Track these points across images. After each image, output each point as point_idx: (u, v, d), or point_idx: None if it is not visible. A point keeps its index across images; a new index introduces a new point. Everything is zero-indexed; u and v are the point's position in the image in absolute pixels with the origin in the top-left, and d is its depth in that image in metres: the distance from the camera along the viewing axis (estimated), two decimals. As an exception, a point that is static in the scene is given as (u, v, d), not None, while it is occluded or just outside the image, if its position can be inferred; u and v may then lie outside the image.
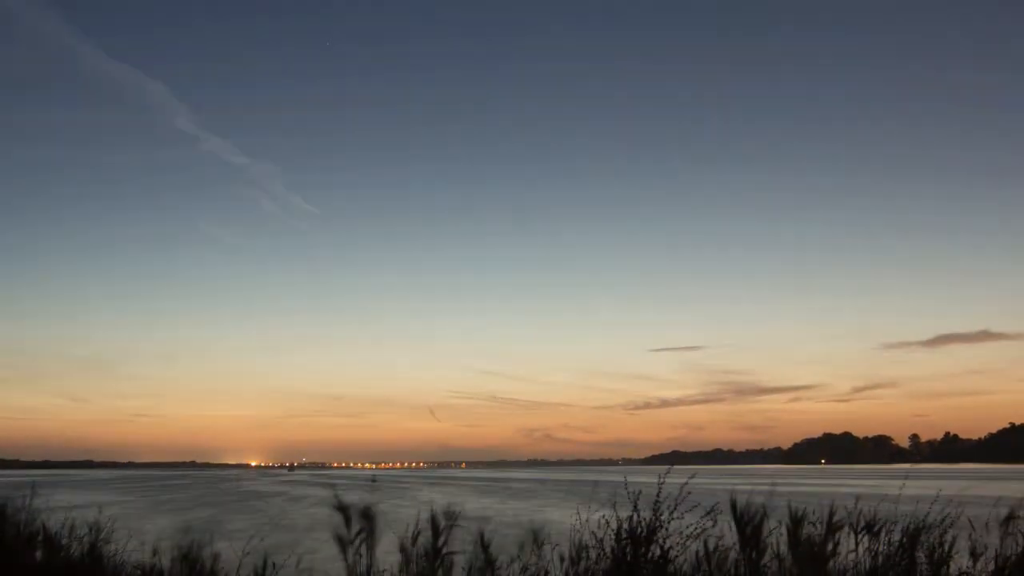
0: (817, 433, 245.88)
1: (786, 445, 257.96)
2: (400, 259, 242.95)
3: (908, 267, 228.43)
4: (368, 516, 5.50)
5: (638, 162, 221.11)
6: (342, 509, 5.53)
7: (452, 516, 5.49)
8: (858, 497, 6.19)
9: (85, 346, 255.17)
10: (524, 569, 5.65)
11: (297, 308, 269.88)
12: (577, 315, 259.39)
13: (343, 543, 5.47)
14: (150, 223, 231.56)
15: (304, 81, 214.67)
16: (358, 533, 5.48)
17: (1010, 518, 6.15)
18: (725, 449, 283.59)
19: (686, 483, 5.61)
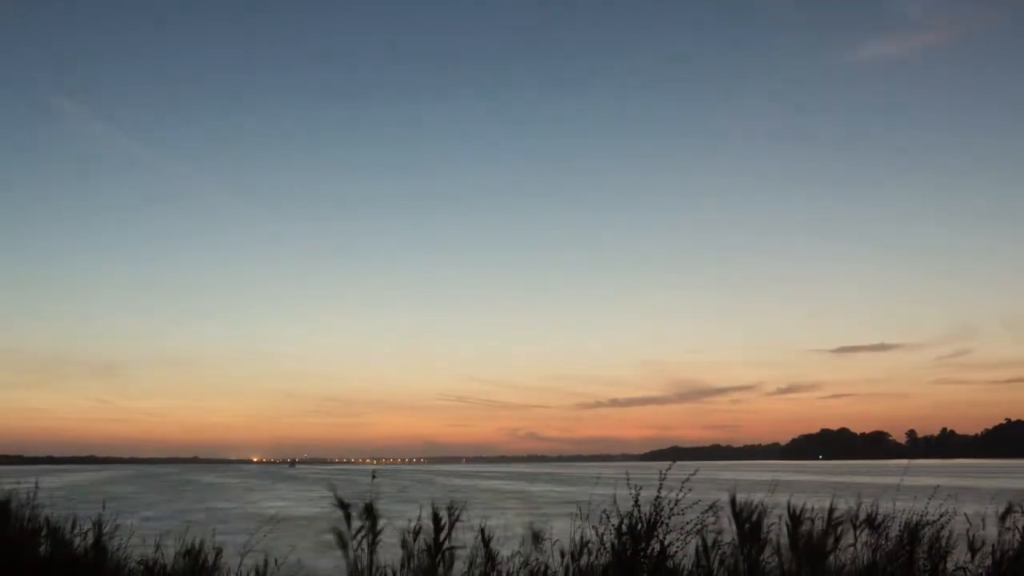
0: (814, 429, 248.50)
1: (783, 441, 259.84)
2: (391, 271, 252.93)
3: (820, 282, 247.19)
4: (369, 512, 5.52)
5: (593, 182, 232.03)
6: (343, 506, 5.54)
7: (454, 511, 5.50)
8: (858, 493, 6.22)
9: (89, 349, 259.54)
10: (525, 564, 5.67)
11: (294, 313, 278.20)
12: (539, 324, 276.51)
13: (343, 540, 5.48)
14: (154, 233, 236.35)
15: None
16: (359, 529, 5.49)
17: (1008, 512, 6.18)
18: (723, 445, 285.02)
19: (687, 479, 5.63)
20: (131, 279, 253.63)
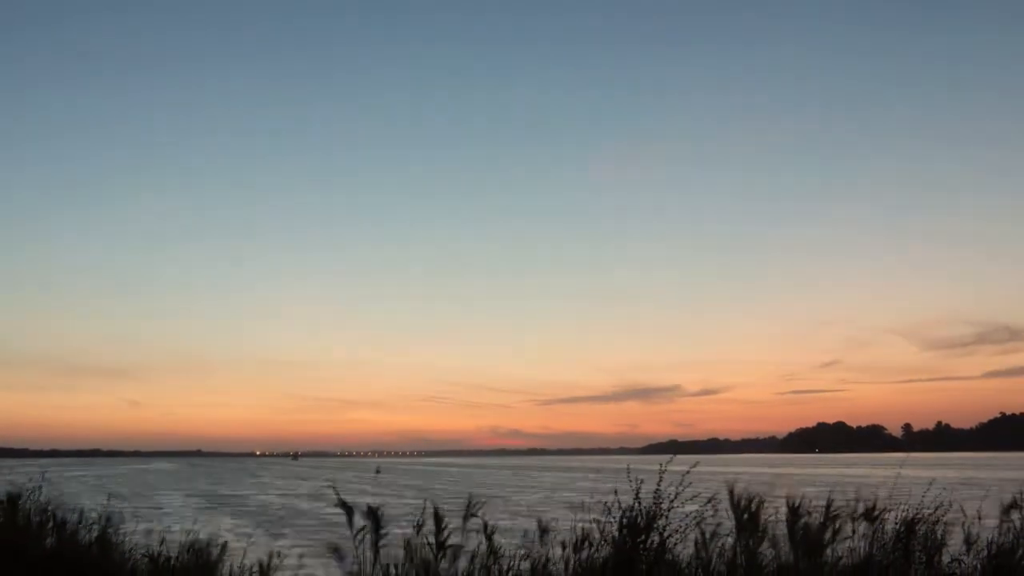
0: (810, 423, 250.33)
1: (780, 435, 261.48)
2: (384, 278, 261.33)
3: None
4: (373, 512, 5.55)
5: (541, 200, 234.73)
6: (344, 506, 5.57)
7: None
8: (857, 487, 6.28)
9: (100, 351, 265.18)
10: (527, 557, 5.72)
11: (294, 315, 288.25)
12: (497, 331, 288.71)
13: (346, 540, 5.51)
14: (156, 236, 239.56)
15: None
16: (362, 528, 5.52)
17: (1012, 506, 6.23)
18: (721, 438, 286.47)
19: (687, 471, 5.68)
20: (139, 287, 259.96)
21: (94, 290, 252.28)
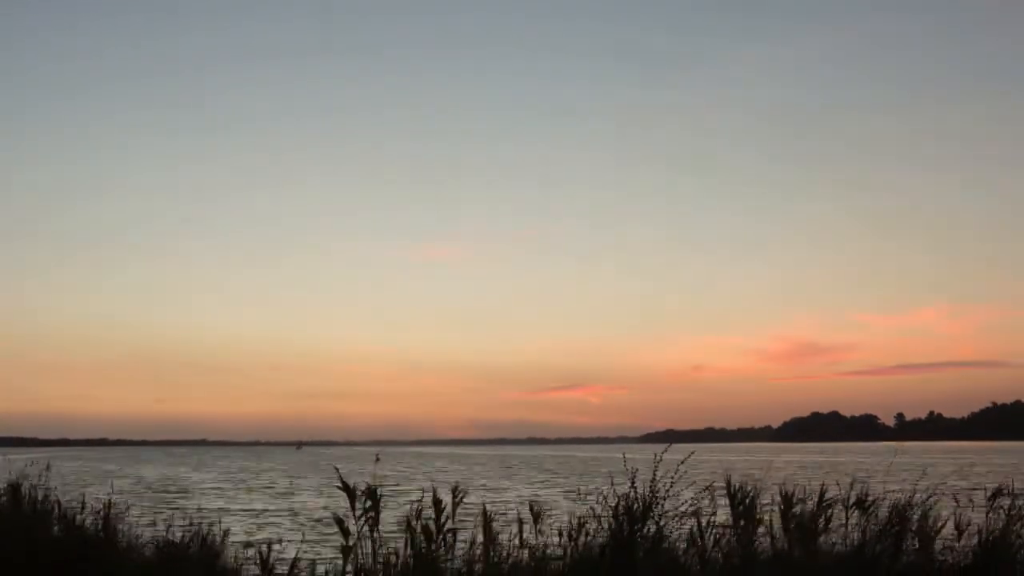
0: (805, 412, 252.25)
1: (775, 424, 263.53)
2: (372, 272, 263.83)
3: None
4: (372, 495, 5.60)
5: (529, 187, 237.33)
6: (346, 488, 5.62)
7: (456, 494, 5.60)
8: (851, 476, 6.36)
9: (105, 346, 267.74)
10: (524, 544, 5.78)
11: (295, 312, 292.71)
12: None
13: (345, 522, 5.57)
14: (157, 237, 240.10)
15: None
16: (364, 512, 5.57)
17: (997, 494, 6.34)
18: (717, 427, 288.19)
19: (683, 461, 5.74)
20: (145, 285, 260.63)
21: (97, 286, 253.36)
